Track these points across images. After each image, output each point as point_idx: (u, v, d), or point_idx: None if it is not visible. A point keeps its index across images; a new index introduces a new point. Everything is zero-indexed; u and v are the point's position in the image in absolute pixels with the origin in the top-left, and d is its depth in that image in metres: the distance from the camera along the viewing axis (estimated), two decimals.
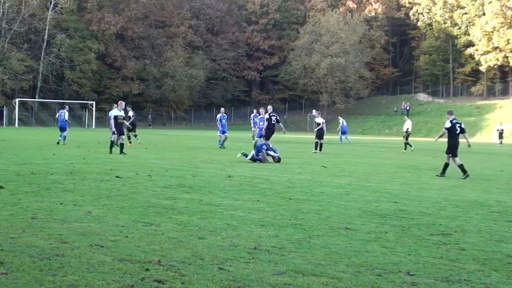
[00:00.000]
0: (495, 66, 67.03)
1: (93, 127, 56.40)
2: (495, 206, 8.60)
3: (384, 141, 43.66)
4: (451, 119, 13.94)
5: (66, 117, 24.73)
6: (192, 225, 6.27)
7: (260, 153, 17.03)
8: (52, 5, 60.70)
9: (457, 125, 13.80)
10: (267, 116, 18.33)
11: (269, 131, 18.21)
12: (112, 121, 18.81)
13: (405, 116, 33.36)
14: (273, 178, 11.88)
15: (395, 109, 69.79)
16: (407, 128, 28.15)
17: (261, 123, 21.11)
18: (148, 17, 69.96)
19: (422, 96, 73.84)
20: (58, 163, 13.89)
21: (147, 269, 4.39)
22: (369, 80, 73.11)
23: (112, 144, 18.55)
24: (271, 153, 17.19)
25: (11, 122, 55.08)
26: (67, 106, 26.69)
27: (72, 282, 4.01)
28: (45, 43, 60.65)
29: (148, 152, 19.71)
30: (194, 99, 72.55)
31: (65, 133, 23.91)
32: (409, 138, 28.68)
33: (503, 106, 61.40)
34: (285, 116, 72.61)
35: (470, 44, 68.36)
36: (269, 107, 19.17)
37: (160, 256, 4.80)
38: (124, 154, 17.67)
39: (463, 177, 13.17)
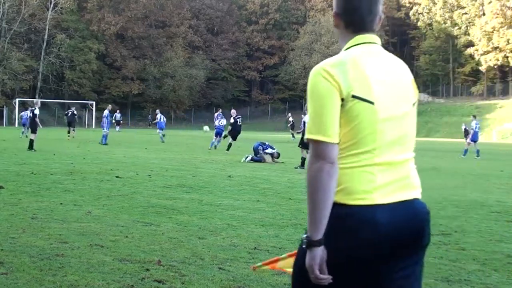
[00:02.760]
0: (495, 66, 67.05)
1: (93, 127, 56.42)
2: (495, 206, 8.60)
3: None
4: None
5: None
6: (192, 225, 6.27)
7: (258, 155, 17.05)
8: (52, 5, 60.71)
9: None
10: (232, 120, 21.40)
11: (235, 132, 21.65)
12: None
13: None
14: (273, 178, 11.89)
15: None
16: None
17: (218, 121, 23.62)
18: (148, 17, 69.96)
19: (422, 96, 73.78)
20: (58, 163, 13.90)
21: (147, 269, 4.39)
22: None
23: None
24: (269, 150, 17.18)
25: (11, 122, 55.09)
26: (110, 106, 28.91)
27: (72, 282, 4.01)
28: (45, 43, 60.66)
29: (148, 152, 19.72)
30: (194, 99, 72.54)
31: (106, 131, 24.98)
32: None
33: (503, 106, 61.41)
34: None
35: (470, 44, 68.37)
36: (233, 111, 22.31)
37: (160, 256, 4.80)
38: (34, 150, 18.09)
39: None
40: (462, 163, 18.98)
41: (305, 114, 24.97)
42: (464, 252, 5.40)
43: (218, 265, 4.59)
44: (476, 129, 23.73)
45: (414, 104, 2.05)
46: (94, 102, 58.60)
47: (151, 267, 4.44)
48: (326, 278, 1.85)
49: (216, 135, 23.41)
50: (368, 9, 2.00)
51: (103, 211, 6.98)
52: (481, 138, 35.58)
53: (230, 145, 21.09)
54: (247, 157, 17.08)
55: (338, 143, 1.87)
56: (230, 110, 25.11)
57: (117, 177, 10.87)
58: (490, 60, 65.21)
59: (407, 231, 1.93)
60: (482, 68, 67.26)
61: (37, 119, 19.80)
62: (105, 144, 23.78)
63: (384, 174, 1.90)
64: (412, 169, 2.04)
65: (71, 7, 62.01)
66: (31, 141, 18.83)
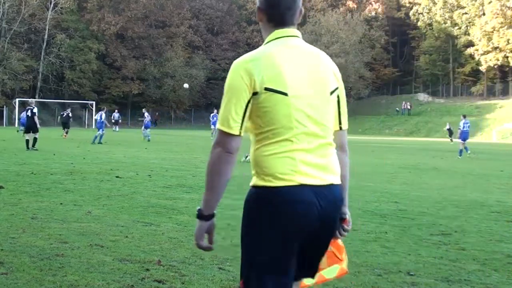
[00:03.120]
0: (495, 66, 67.01)
1: (93, 127, 56.38)
2: (495, 206, 8.60)
3: (384, 141, 43.65)
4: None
5: (103, 118, 26.43)
6: (192, 225, 6.25)
7: None
8: (52, 5, 60.69)
9: None
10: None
11: None
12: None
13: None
14: None
15: (397, 109, 69.89)
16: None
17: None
18: (148, 17, 69.92)
19: (422, 96, 73.82)
20: (58, 163, 13.90)
21: (147, 269, 4.39)
22: (369, 80, 73.10)
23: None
24: None
25: (11, 122, 55.08)
26: (104, 108, 29.30)
27: (72, 282, 4.01)
28: (45, 43, 60.64)
29: (148, 152, 19.72)
30: (194, 99, 72.51)
31: (101, 132, 25.42)
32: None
33: (503, 106, 61.38)
34: None
35: (470, 44, 68.35)
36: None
37: (160, 256, 4.80)
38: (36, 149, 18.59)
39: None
40: (462, 163, 18.99)
41: None
42: (464, 252, 5.40)
43: (218, 265, 4.59)
44: (465, 128, 23.72)
45: (332, 93, 2.20)
46: (94, 102, 58.57)
47: (151, 267, 4.44)
48: (207, 247, 2.17)
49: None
50: (288, 5, 2.14)
51: (103, 211, 6.98)
52: (481, 138, 35.60)
53: None
54: (247, 156, 17.08)
55: (240, 136, 2.05)
56: None
57: (117, 177, 10.87)
58: (490, 60, 65.18)
59: (324, 212, 2.08)
60: (482, 68, 67.23)
61: (36, 118, 19.87)
62: (100, 143, 24.42)
63: (304, 158, 2.05)
64: (330, 154, 2.16)
65: (71, 7, 61.97)
66: (28, 141, 19.07)
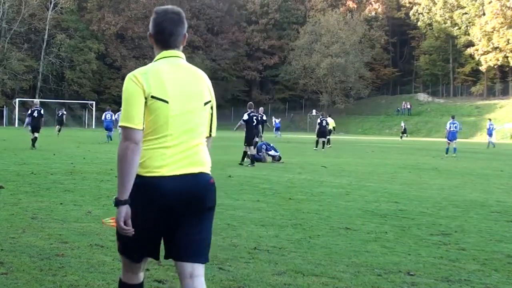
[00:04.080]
0: (495, 66, 67.02)
1: (93, 127, 56.42)
2: (495, 206, 8.60)
3: (384, 141, 43.65)
4: (248, 112, 15.85)
5: (113, 117, 27.19)
6: None
7: (260, 153, 17.04)
8: (52, 5, 60.70)
9: (254, 117, 15.90)
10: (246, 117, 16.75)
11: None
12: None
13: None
14: (273, 178, 11.89)
15: (398, 109, 69.94)
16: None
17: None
18: (148, 17, 68.83)
19: (422, 96, 73.82)
20: (58, 163, 13.90)
21: (147, 269, 4.39)
22: (369, 80, 73.10)
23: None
24: (272, 152, 17.20)
25: (11, 122, 55.09)
26: (109, 108, 30.02)
27: (72, 282, 4.01)
28: (45, 43, 60.66)
29: None
30: None
31: (111, 133, 26.36)
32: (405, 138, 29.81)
33: (503, 106, 61.39)
34: (292, 115, 72.70)
35: (470, 44, 68.34)
36: (261, 109, 21.23)
37: (160, 256, 4.80)
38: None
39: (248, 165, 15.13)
40: (462, 163, 18.99)
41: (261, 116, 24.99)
42: (464, 252, 5.40)
43: (218, 265, 4.59)
44: (451, 129, 24.11)
45: (206, 104, 2.71)
46: (94, 102, 58.58)
47: (151, 267, 4.44)
48: (129, 229, 2.54)
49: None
50: (171, 32, 2.67)
51: (103, 211, 6.97)
52: (481, 138, 35.58)
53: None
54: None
55: (142, 129, 2.53)
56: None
57: (117, 177, 10.85)
58: (490, 60, 65.16)
59: (190, 195, 2.60)
60: (482, 68, 67.21)
61: (42, 119, 20.72)
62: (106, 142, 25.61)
63: (174, 155, 2.56)
64: (201, 150, 2.68)
65: (71, 7, 61.99)
66: (35, 139, 19.74)
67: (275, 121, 45.49)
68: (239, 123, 17.69)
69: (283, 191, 9.75)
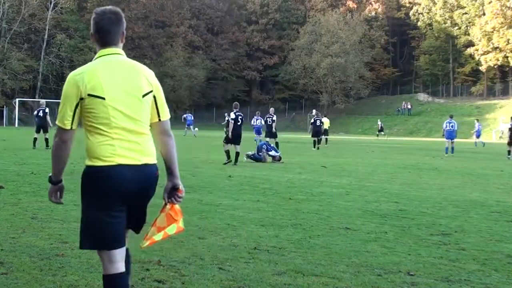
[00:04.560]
0: (495, 66, 67.03)
1: None
2: (495, 206, 8.60)
3: (384, 141, 43.65)
4: (234, 111, 16.05)
5: None
6: (192, 225, 6.27)
7: (260, 153, 17.05)
8: (52, 5, 60.69)
9: (239, 117, 16.08)
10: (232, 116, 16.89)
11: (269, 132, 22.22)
12: None
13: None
14: (273, 178, 11.89)
15: (398, 109, 69.96)
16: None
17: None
18: (148, 17, 69.92)
19: (422, 96, 73.82)
20: None
21: (147, 269, 4.39)
22: (369, 80, 73.09)
23: None
24: (272, 152, 17.20)
25: (11, 122, 55.08)
26: None
27: (72, 282, 4.01)
28: (45, 43, 60.64)
29: None
30: (194, 99, 72.52)
31: None
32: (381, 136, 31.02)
33: (503, 106, 61.38)
34: (293, 114, 72.62)
35: (470, 44, 68.34)
36: (271, 109, 23.10)
37: (160, 256, 4.80)
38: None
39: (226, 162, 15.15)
40: (462, 163, 18.99)
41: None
42: (464, 252, 5.40)
43: (218, 265, 4.59)
44: (448, 128, 24.37)
45: (145, 95, 2.89)
46: None
47: (151, 267, 4.44)
48: (58, 201, 3.12)
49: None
50: (108, 30, 2.90)
51: None
52: (481, 138, 35.58)
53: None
54: (247, 155, 17.09)
55: (71, 129, 2.84)
56: (231, 110, 25.79)
57: None
58: (490, 60, 65.16)
59: (136, 184, 2.85)
60: (482, 68, 67.22)
61: (48, 117, 20.87)
62: None
63: (121, 145, 2.81)
64: (145, 141, 2.91)
65: (71, 7, 61.99)
66: (36, 140, 20.10)
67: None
68: (227, 122, 18.00)
69: (283, 191, 9.75)
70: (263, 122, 24.69)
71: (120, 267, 2.87)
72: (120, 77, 2.84)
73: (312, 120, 26.82)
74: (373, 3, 79.38)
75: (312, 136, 26.31)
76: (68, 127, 2.82)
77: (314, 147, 25.78)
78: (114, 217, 2.82)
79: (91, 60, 3.07)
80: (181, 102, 71.23)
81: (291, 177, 12.22)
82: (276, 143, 21.26)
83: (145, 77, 2.92)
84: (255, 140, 26.71)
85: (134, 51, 68.79)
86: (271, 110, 24.12)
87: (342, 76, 69.31)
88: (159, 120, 2.99)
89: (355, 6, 79.12)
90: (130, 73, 2.89)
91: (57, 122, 2.84)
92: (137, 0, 67.36)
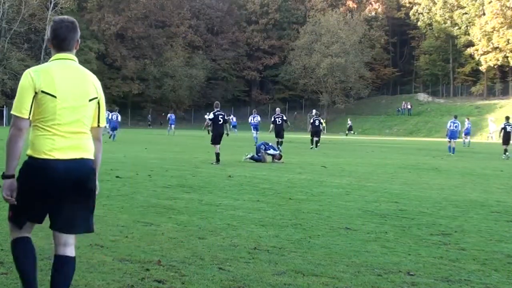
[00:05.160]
0: (495, 66, 66.98)
1: None
2: (495, 206, 8.60)
3: (384, 141, 43.65)
4: (215, 111, 16.10)
5: (119, 119, 29.77)
6: (192, 225, 6.27)
7: (259, 153, 17.05)
8: (52, 5, 60.69)
9: (220, 116, 16.02)
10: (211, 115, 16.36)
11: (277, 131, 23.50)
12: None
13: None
14: (273, 178, 11.89)
15: (399, 108, 69.97)
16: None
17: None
18: (148, 17, 69.91)
19: (422, 96, 73.79)
20: None
21: (147, 269, 4.39)
22: (369, 80, 73.05)
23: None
24: (271, 151, 17.18)
25: (11, 122, 55.10)
26: (117, 109, 31.70)
27: (72, 282, 4.00)
28: (45, 43, 60.53)
29: (148, 152, 19.72)
30: (194, 99, 72.52)
31: (115, 132, 28.66)
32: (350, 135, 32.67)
33: (503, 106, 61.34)
34: (295, 113, 72.54)
35: (470, 44, 68.29)
36: (277, 109, 24.14)
37: (160, 256, 4.80)
38: None
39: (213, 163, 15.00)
40: (462, 163, 18.99)
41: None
42: (464, 252, 5.40)
43: (218, 265, 4.59)
44: (451, 128, 24.79)
45: (91, 100, 3.21)
46: None
47: (151, 267, 4.44)
48: (11, 200, 3.13)
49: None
50: (64, 37, 3.19)
51: (103, 211, 6.97)
52: (481, 138, 35.53)
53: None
54: (247, 155, 17.09)
55: (28, 118, 3.06)
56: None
57: (117, 177, 10.86)
58: (490, 60, 65.11)
59: (76, 177, 3.11)
60: (482, 68, 67.17)
61: None
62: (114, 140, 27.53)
63: (61, 141, 3.08)
64: (86, 139, 3.20)
65: (71, 7, 61.95)
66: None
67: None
68: (206, 122, 18.10)
69: (283, 191, 9.75)
70: (259, 119, 27.74)
71: (27, 233, 3.46)
72: (71, 80, 3.13)
73: (312, 120, 27.28)
74: (373, 3, 79.36)
75: (311, 136, 26.70)
76: (26, 116, 3.05)
77: (312, 145, 26.12)
78: (39, 204, 3.14)
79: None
80: (181, 102, 71.25)
81: (291, 177, 12.22)
82: (281, 142, 21.75)
83: (93, 84, 3.25)
84: (254, 138, 27.12)
85: (134, 51, 68.88)
86: (277, 110, 25.35)
87: (342, 76, 69.26)
88: (98, 126, 3.33)
89: (355, 6, 79.10)
90: (80, 78, 3.19)
91: (13, 112, 3.08)
92: (137, 0, 67.33)
